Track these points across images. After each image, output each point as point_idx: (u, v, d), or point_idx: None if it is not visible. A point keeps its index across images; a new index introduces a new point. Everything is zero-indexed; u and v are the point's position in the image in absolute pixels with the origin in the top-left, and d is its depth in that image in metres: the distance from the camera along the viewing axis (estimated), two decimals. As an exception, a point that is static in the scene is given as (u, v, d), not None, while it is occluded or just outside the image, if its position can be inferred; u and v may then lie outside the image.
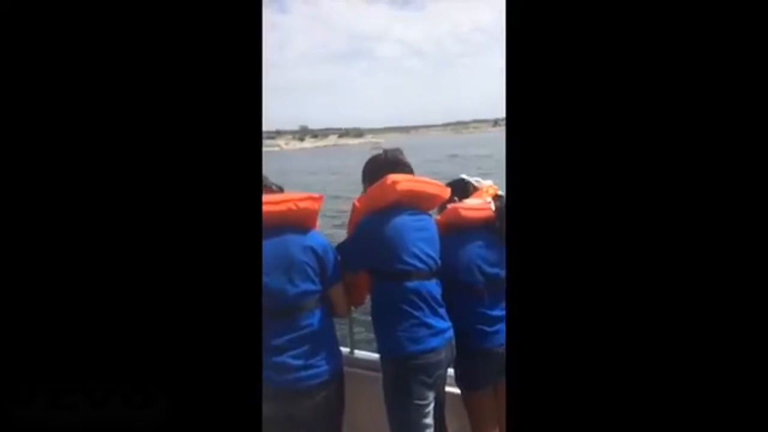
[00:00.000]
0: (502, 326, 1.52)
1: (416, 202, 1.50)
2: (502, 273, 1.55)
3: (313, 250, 1.39)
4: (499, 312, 1.53)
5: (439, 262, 1.49)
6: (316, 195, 1.43)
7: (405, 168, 1.55)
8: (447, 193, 1.58)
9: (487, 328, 1.52)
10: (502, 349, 1.51)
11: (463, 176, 1.72)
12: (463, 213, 1.55)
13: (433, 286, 1.45)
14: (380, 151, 1.61)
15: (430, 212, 1.59)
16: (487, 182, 1.69)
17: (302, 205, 1.38)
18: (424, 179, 1.54)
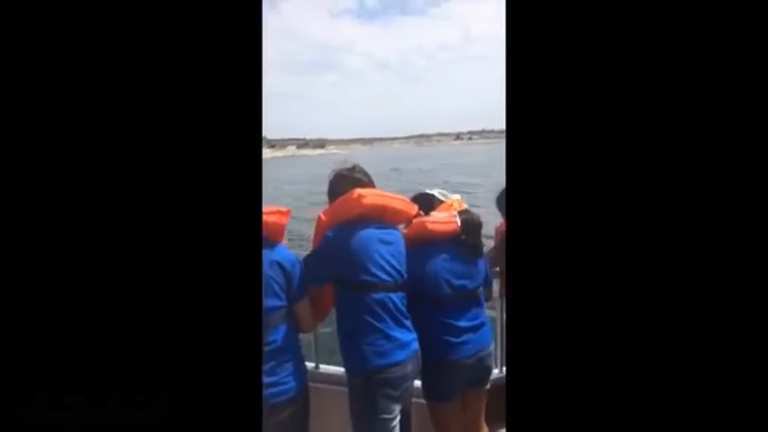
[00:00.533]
0: (467, 337, 1.55)
1: (382, 216, 1.51)
2: (470, 285, 1.59)
3: (280, 265, 1.37)
4: (465, 323, 1.56)
5: (405, 274, 1.50)
6: (283, 209, 1.43)
7: (365, 183, 1.55)
8: (414, 209, 1.59)
9: (453, 339, 1.53)
10: (469, 361, 1.55)
11: (428, 191, 1.75)
12: (430, 227, 1.57)
13: (399, 298, 1.46)
14: (346, 165, 1.61)
15: (398, 226, 1.60)
16: (455, 196, 1.72)
17: (270, 219, 1.37)
18: (389, 194, 1.56)
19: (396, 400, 1.42)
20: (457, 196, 1.73)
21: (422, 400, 1.62)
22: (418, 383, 1.58)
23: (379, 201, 1.48)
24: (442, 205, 1.66)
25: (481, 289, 1.65)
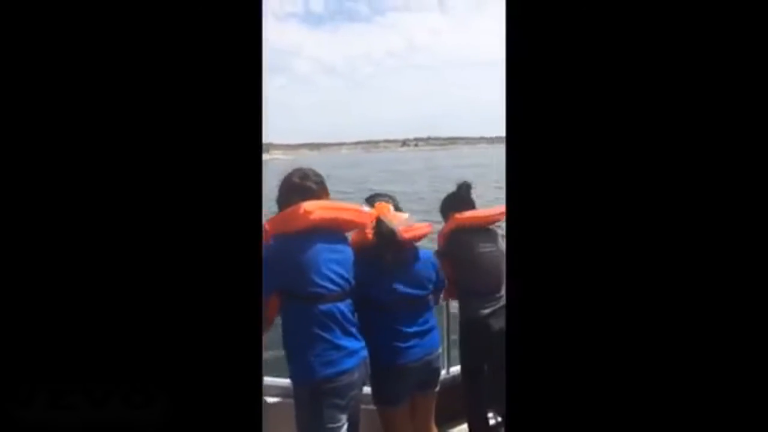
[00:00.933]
0: (415, 342, 1.57)
1: (330, 228, 1.48)
2: (416, 292, 1.61)
3: None
4: (416, 328, 1.58)
5: (352, 281, 1.48)
6: None
7: (316, 192, 1.51)
8: (364, 218, 1.57)
9: (401, 345, 1.55)
10: (417, 364, 1.57)
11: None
12: (363, 238, 1.56)
13: (346, 306, 1.44)
14: (298, 173, 1.54)
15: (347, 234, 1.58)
16: (405, 215, 1.69)
17: None
18: (339, 205, 1.51)
19: (343, 409, 1.40)
20: (405, 215, 1.70)
21: (372, 407, 1.62)
22: (367, 389, 1.58)
23: (328, 214, 1.45)
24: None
25: (430, 295, 1.67)
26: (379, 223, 1.58)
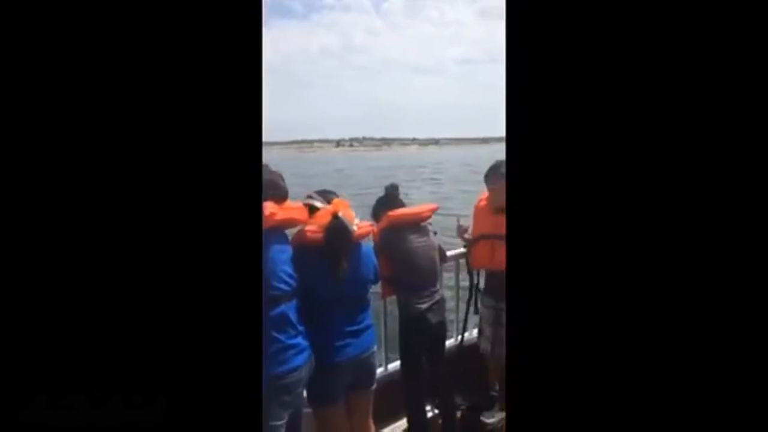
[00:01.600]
0: (349, 340, 1.59)
1: (282, 227, 1.52)
2: (358, 292, 1.63)
3: None
4: (354, 327, 1.60)
5: (297, 278, 1.49)
6: None
7: (284, 191, 1.53)
8: (305, 216, 1.59)
9: (336, 343, 1.57)
10: (350, 362, 1.58)
11: (310, 199, 1.73)
12: (310, 235, 1.56)
13: (296, 306, 1.47)
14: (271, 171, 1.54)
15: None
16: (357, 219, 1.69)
17: None
18: (292, 205, 1.54)
19: (287, 406, 1.42)
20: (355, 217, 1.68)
21: (309, 409, 1.62)
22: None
23: (287, 215, 1.48)
24: (319, 213, 1.64)
25: (368, 294, 1.69)
26: (338, 220, 1.56)
